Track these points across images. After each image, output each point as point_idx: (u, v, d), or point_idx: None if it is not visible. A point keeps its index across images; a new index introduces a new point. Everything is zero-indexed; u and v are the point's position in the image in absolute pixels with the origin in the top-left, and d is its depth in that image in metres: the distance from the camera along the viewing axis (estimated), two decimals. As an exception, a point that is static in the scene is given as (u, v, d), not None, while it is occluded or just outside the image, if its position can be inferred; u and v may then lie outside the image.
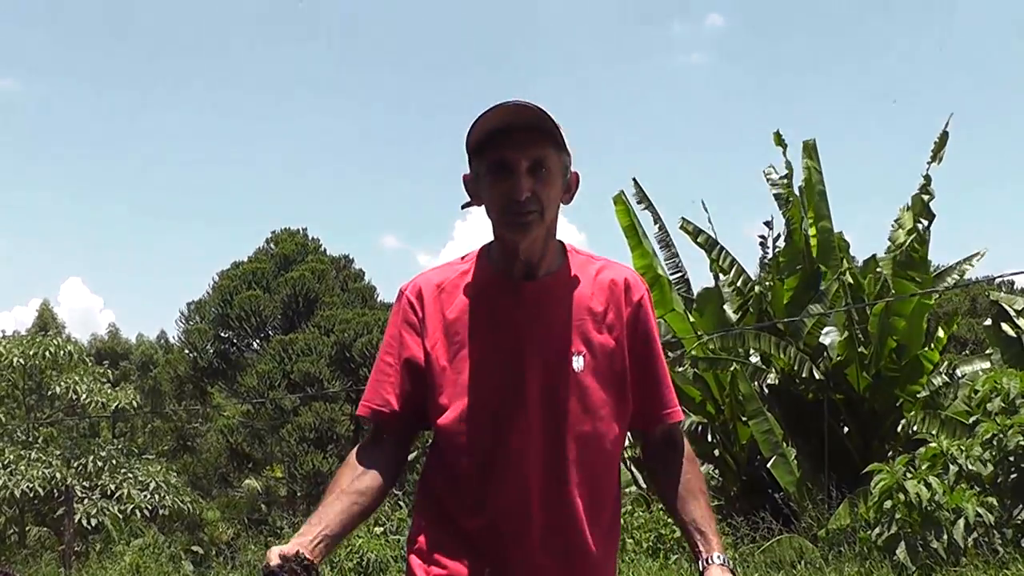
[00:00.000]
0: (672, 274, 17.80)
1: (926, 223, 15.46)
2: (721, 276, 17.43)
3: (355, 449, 2.89)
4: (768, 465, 14.84)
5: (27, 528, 24.64)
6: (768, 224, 17.34)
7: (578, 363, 2.79)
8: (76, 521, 21.07)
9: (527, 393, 2.78)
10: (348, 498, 2.70)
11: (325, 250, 32.76)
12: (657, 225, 17.67)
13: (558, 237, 2.89)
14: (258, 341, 31.01)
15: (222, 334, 31.21)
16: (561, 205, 2.84)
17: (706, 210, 18.67)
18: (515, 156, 2.70)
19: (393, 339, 2.91)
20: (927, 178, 15.58)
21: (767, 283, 16.91)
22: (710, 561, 2.75)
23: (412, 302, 2.90)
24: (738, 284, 17.18)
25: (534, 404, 2.78)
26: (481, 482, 2.83)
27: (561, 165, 2.77)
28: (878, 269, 16.25)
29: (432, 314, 2.87)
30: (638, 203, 17.44)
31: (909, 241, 15.19)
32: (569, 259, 2.91)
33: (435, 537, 2.90)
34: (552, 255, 2.86)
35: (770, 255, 17.32)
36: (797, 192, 16.43)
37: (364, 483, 2.75)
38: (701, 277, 17.79)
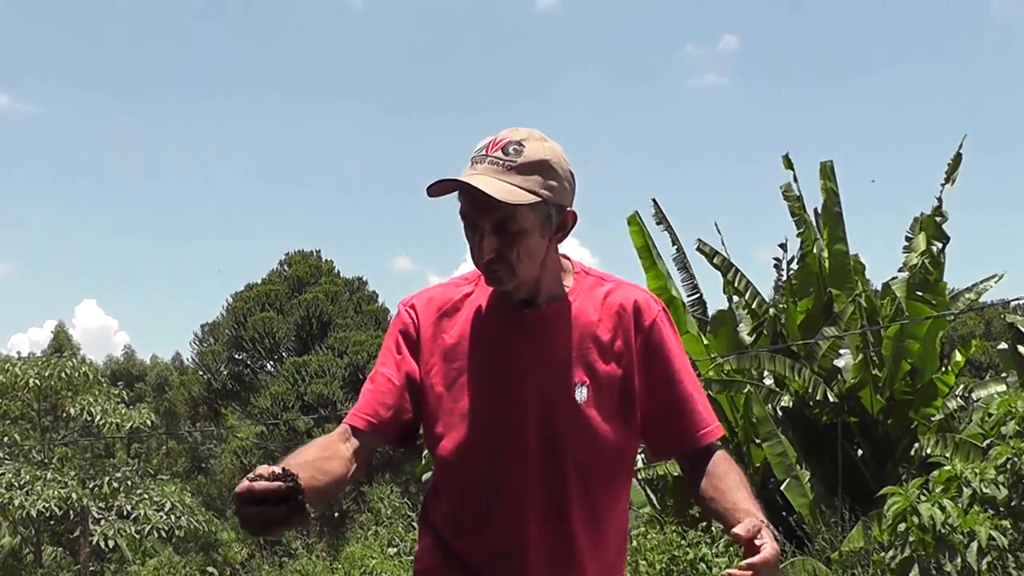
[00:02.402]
0: (688, 296, 17.75)
1: (940, 245, 15.40)
2: (735, 298, 17.39)
3: (326, 437, 2.79)
4: (782, 487, 14.78)
5: (43, 548, 24.69)
6: (783, 246, 17.30)
7: (580, 394, 2.72)
8: (92, 542, 21.12)
9: (527, 426, 2.73)
10: (312, 471, 2.51)
11: (339, 272, 32.93)
12: (675, 246, 17.63)
13: (568, 256, 2.84)
14: (272, 363, 31.15)
15: (236, 356, 31.37)
16: (555, 245, 2.73)
17: (719, 232, 18.65)
18: (477, 216, 2.62)
19: (390, 352, 2.85)
20: (940, 200, 15.54)
21: (781, 305, 16.87)
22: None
23: (411, 320, 2.85)
24: (753, 306, 17.13)
25: (534, 437, 2.72)
26: (477, 513, 2.81)
27: (538, 217, 2.63)
28: (892, 289, 16.21)
29: (430, 336, 2.82)
30: (657, 223, 17.40)
31: (923, 263, 15.14)
32: (576, 282, 2.83)
33: (435, 563, 2.92)
34: (552, 283, 2.78)
35: (784, 277, 17.27)
36: (811, 214, 16.40)
37: (331, 466, 2.64)
38: (719, 299, 17.73)
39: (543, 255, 2.69)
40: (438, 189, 2.60)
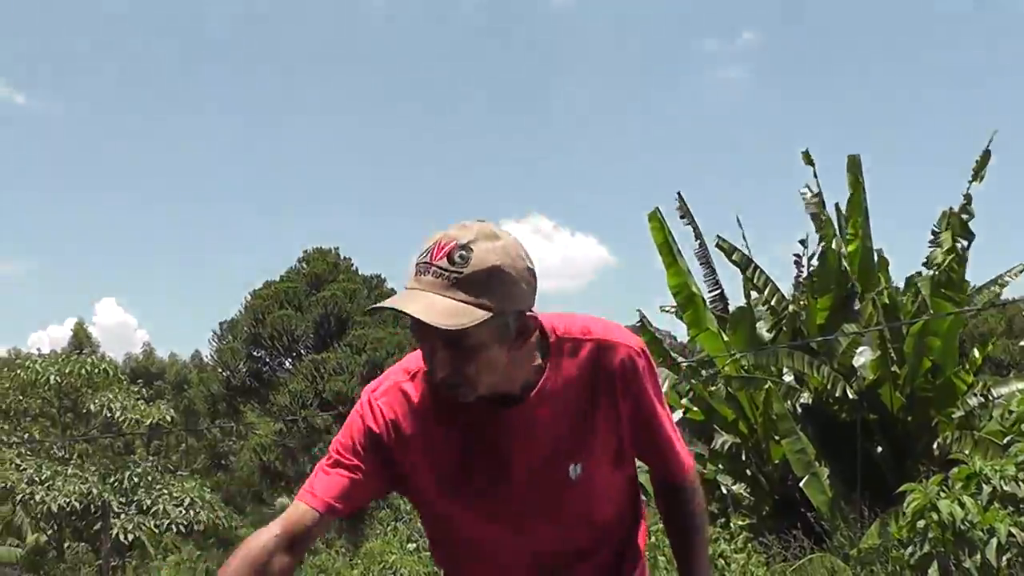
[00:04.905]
0: (709, 291, 17.72)
1: (965, 243, 15.35)
2: (755, 294, 17.36)
3: (270, 534, 2.55)
4: (801, 484, 14.77)
5: (65, 544, 24.79)
6: (803, 242, 17.25)
7: (575, 472, 2.63)
8: (113, 536, 21.18)
9: (526, 518, 2.68)
10: None
11: (357, 269, 32.88)
12: (698, 241, 17.60)
13: (538, 319, 2.50)
14: (290, 360, 31.17)
15: (254, 353, 31.43)
16: (518, 350, 2.45)
17: (740, 226, 18.64)
18: (422, 335, 2.39)
19: (355, 441, 2.62)
20: (967, 197, 15.47)
21: (801, 302, 16.83)
22: None
23: (380, 413, 2.62)
24: (772, 303, 17.12)
25: (535, 526, 2.69)
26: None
27: (494, 329, 2.36)
28: (915, 285, 16.17)
29: (405, 433, 2.61)
30: (681, 217, 17.37)
31: (947, 261, 15.08)
32: (552, 354, 2.58)
33: None
34: (524, 372, 2.53)
35: (804, 274, 17.23)
36: (832, 210, 16.37)
37: None
38: (741, 294, 17.68)
39: (505, 363, 2.44)
40: (381, 310, 2.46)
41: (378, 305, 2.40)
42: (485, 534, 2.73)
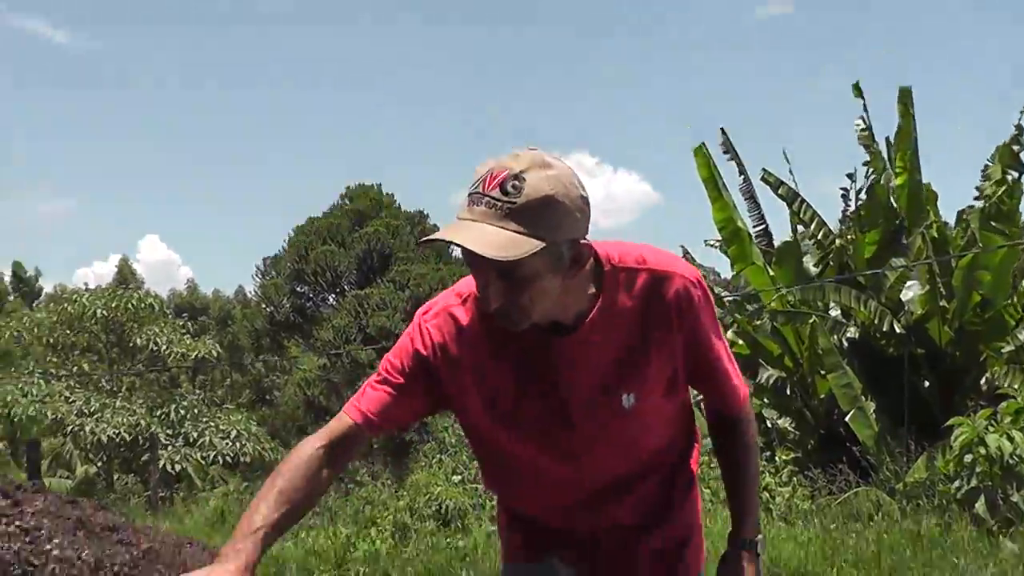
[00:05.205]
0: (754, 226, 17.63)
1: (1016, 175, 15.17)
2: (801, 229, 17.26)
3: (314, 446, 2.58)
4: (847, 419, 14.72)
5: (114, 476, 25.09)
6: (851, 176, 17.10)
7: (628, 401, 2.62)
8: (160, 467, 21.42)
9: (574, 443, 2.68)
10: (291, 514, 2.47)
11: (399, 206, 32.83)
12: (742, 177, 17.51)
13: (594, 248, 2.48)
14: (333, 296, 31.24)
15: (298, 289, 31.53)
16: (573, 278, 2.44)
17: (787, 160, 18.55)
18: (476, 266, 2.38)
19: (403, 361, 2.64)
20: (1019, 128, 15.28)
21: (848, 236, 16.71)
22: (733, 545, 2.91)
23: (429, 336, 2.64)
24: (819, 237, 17.02)
25: (582, 450, 2.69)
26: (528, 503, 2.95)
27: (548, 259, 2.33)
28: (965, 219, 16.01)
29: (452, 355, 2.62)
30: (724, 153, 17.28)
31: (998, 193, 14.91)
32: (607, 283, 2.55)
33: (505, 506, 3.08)
34: (578, 302, 2.52)
35: (852, 208, 17.10)
36: (882, 143, 16.22)
37: (311, 489, 2.54)
38: (786, 230, 17.58)
39: (559, 292, 2.42)
40: (433, 242, 2.41)
41: (430, 237, 2.39)
42: (534, 460, 2.74)
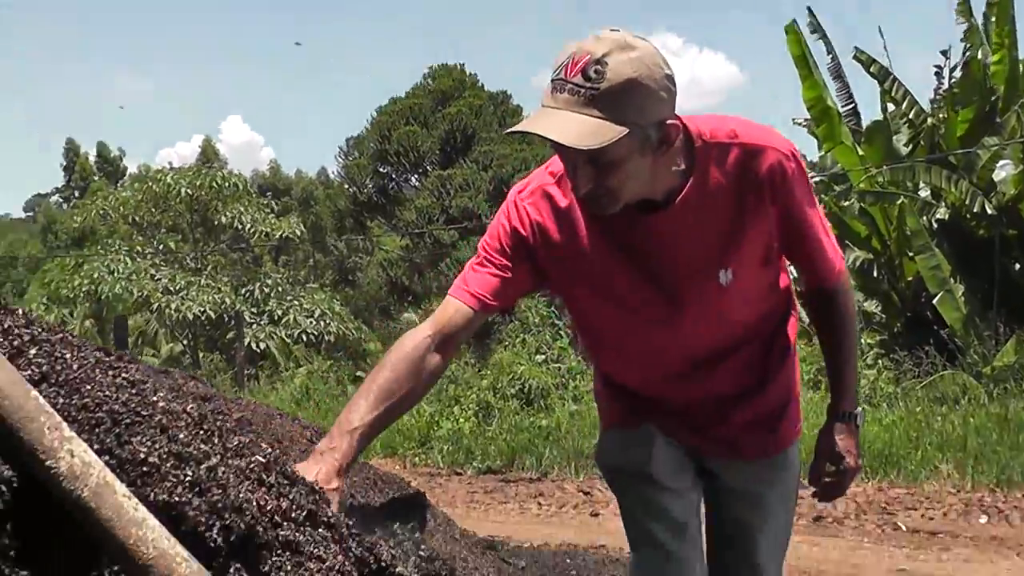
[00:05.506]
0: (843, 105, 17.32)
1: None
2: (892, 107, 16.94)
3: (421, 335, 2.60)
4: (934, 301, 14.56)
5: (200, 355, 25.50)
6: (945, 53, 16.73)
7: (725, 277, 2.63)
8: (246, 345, 21.74)
9: (670, 318, 2.70)
10: (394, 407, 2.49)
11: (483, 86, 32.63)
12: (830, 56, 17.18)
13: (685, 124, 2.46)
14: (416, 176, 31.25)
15: (381, 169, 31.53)
16: (662, 158, 2.43)
17: (882, 36, 18.22)
18: (564, 152, 2.41)
19: (502, 241, 2.67)
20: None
21: (940, 115, 16.38)
22: (831, 417, 2.94)
23: (525, 214, 2.67)
24: (910, 116, 16.69)
25: (679, 324, 2.71)
26: (626, 374, 2.98)
27: (634, 142, 2.32)
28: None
29: (548, 233, 2.65)
30: (812, 32, 16.95)
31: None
32: (699, 158, 2.54)
33: (604, 376, 3.11)
34: (669, 179, 2.52)
35: (945, 86, 16.75)
36: (980, 20, 15.81)
37: (417, 382, 2.54)
38: (874, 110, 17.29)
39: (647, 173, 2.44)
40: (521, 133, 2.39)
41: (515, 128, 2.39)
42: (632, 334, 2.78)
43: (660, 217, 2.55)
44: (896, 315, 16.18)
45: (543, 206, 2.66)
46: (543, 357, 15.00)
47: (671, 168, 2.48)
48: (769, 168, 2.54)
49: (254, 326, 22.90)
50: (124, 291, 22.41)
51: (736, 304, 2.72)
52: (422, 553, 2.23)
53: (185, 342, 26.06)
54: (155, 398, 1.72)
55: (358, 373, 19.86)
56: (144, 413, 1.64)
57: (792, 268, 2.94)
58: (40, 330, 1.69)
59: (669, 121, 2.36)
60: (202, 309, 21.78)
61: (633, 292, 2.66)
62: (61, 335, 1.75)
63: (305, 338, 23.31)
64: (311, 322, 23.15)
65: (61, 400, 1.56)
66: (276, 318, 23.27)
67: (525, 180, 2.77)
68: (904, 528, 8.42)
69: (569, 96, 2.28)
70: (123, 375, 1.74)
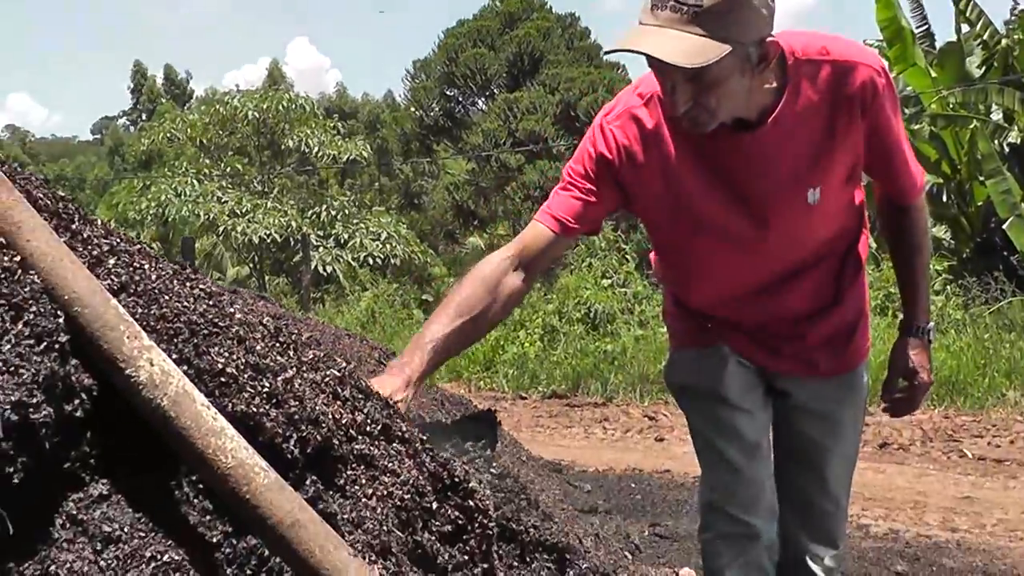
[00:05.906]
0: (917, 27, 17.04)
1: None
2: (966, 28, 16.64)
3: (502, 256, 2.64)
4: (1004, 227, 14.36)
5: (266, 278, 25.68)
6: (1023, -28, 16.40)
7: (813, 196, 2.64)
8: (312, 268, 21.85)
9: (757, 237, 2.71)
10: (469, 326, 2.50)
11: (551, 8, 32.37)
12: (906, -25, 16.87)
13: (777, 43, 2.43)
14: (483, 99, 31.14)
15: (447, 92, 31.45)
16: (760, 75, 2.45)
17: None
18: (663, 71, 2.40)
19: (587, 166, 2.70)
20: None
21: (1016, 36, 16.07)
22: (904, 332, 3.02)
23: (612, 138, 2.67)
24: (984, 37, 16.38)
25: (764, 243, 2.73)
26: (702, 294, 3.02)
27: (735, 60, 2.33)
28: None
29: (636, 156, 2.66)
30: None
31: None
32: (791, 76, 2.53)
33: (675, 298, 3.17)
34: (762, 97, 2.52)
35: (1021, 7, 16.42)
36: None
37: (494, 302, 2.56)
38: (949, 31, 17.01)
39: (746, 91, 2.44)
40: (621, 51, 2.37)
41: (615, 47, 2.37)
42: (716, 253, 2.80)
43: (753, 136, 2.56)
44: (965, 240, 16.00)
45: (630, 129, 2.66)
46: (609, 281, 14.98)
47: (765, 86, 2.49)
48: (861, 84, 2.55)
49: (320, 249, 23.00)
50: (191, 214, 22.58)
51: (819, 222, 2.74)
52: (493, 470, 2.25)
53: (251, 265, 26.24)
54: (232, 309, 1.73)
55: (424, 297, 19.96)
56: (221, 324, 1.66)
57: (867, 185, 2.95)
58: (119, 240, 1.70)
59: (768, 39, 2.37)
60: (268, 232, 21.89)
61: (721, 212, 2.67)
62: (139, 246, 1.76)
63: (371, 261, 23.38)
64: (377, 245, 23.20)
65: (140, 310, 1.57)
66: (342, 241, 23.35)
67: (611, 103, 2.76)
68: (970, 455, 8.39)
69: (672, 13, 2.27)
70: (200, 286, 1.76)
